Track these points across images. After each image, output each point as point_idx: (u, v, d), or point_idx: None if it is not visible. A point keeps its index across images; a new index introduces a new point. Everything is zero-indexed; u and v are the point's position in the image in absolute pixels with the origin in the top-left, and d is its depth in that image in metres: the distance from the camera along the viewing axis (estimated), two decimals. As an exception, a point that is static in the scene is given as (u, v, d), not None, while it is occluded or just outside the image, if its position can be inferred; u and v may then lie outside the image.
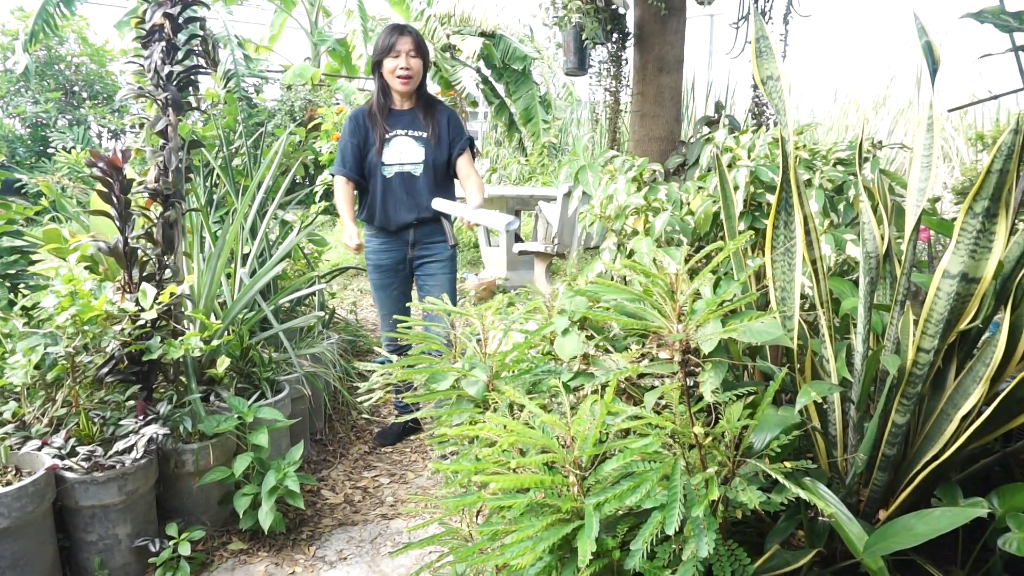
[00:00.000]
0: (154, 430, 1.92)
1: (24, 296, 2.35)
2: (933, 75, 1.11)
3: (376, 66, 2.63)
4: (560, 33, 3.20)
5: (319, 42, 8.79)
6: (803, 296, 1.48)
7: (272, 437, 2.20)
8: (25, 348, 1.90)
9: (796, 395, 1.13)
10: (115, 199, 2.04)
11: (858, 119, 7.77)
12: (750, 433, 1.09)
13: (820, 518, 1.11)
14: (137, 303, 2.01)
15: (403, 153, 2.64)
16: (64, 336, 1.93)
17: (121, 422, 1.97)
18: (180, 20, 2.19)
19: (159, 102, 2.19)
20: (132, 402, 2.06)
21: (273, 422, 2.21)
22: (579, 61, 3.21)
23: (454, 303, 2.70)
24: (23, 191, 5.23)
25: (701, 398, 1.05)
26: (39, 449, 1.87)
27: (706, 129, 2.94)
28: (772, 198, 1.73)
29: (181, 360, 2.20)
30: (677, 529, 0.89)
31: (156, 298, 2.02)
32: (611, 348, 1.37)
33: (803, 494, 0.94)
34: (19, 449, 1.87)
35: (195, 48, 2.25)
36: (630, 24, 3.13)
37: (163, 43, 2.16)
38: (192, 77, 2.26)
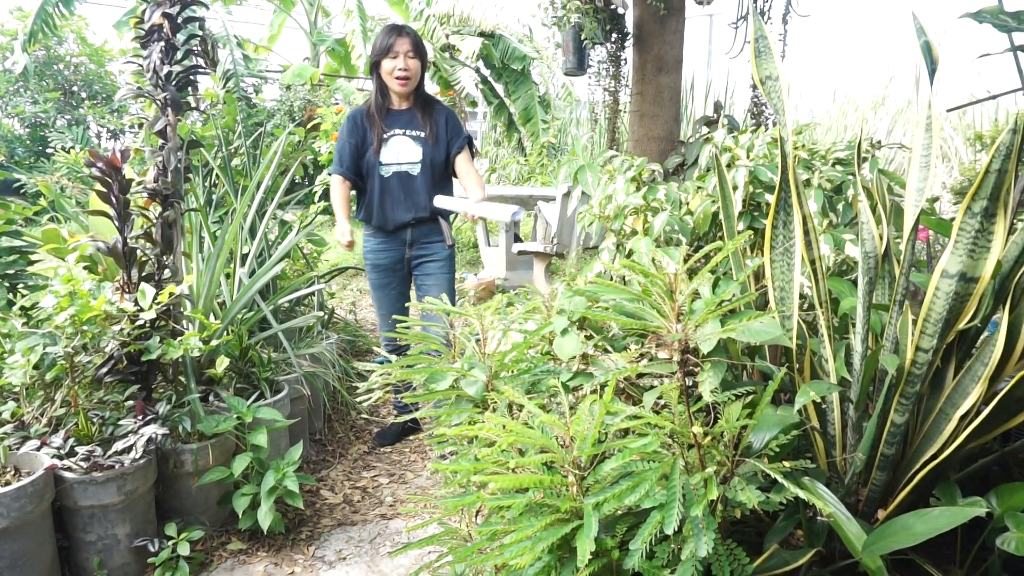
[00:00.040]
0: (153, 430, 1.92)
1: (23, 296, 2.35)
2: (932, 75, 1.12)
3: (374, 67, 2.63)
4: (559, 33, 3.20)
5: (318, 42, 8.77)
6: (802, 296, 1.47)
7: (271, 437, 2.20)
8: (24, 348, 1.90)
9: (795, 395, 1.13)
10: (114, 199, 2.04)
11: (857, 119, 7.78)
12: (749, 433, 1.09)
13: (819, 518, 1.11)
14: (136, 303, 2.01)
15: (401, 153, 2.63)
16: (63, 336, 1.93)
17: (120, 422, 1.97)
18: (179, 20, 2.19)
19: (158, 102, 2.19)
20: (131, 402, 2.06)
21: (272, 422, 2.21)
22: (578, 61, 3.21)
23: (453, 303, 2.70)
24: (22, 191, 5.21)
25: (700, 398, 1.05)
26: (38, 449, 1.87)
27: (705, 129, 2.94)
28: (771, 198, 1.73)
29: (180, 360, 2.20)
30: (676, 529, 0.89)
31: (155, 298, 2.02)
32: (610, 348, 1.37)
33: (802, 494, 0.94)
34: (18, 449, 1.87)
35: (194, 48, 2.25)
36: (629, 24, 3.13)
37: (162, 43, 2.16)
38: (191, 77, 2.26)
